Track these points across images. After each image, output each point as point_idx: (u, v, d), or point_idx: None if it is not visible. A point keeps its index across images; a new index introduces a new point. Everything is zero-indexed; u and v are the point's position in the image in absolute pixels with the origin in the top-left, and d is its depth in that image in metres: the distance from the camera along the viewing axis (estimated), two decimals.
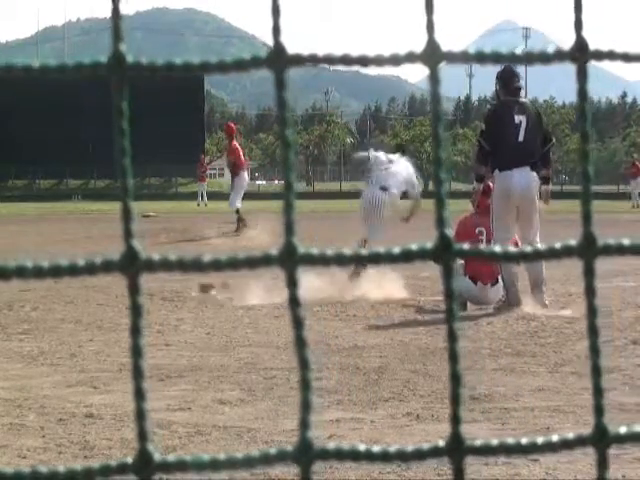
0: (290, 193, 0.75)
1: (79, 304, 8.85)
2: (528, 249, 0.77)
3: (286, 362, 5.94)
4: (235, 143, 19.77)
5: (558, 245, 0.76)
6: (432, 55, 0.74)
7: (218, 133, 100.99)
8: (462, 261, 8.89)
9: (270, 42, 0.74)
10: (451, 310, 0.76)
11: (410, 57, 0.75)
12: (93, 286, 10.24)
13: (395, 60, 0.75)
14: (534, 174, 8.53)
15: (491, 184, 8.97)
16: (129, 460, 0.73)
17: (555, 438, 0.76)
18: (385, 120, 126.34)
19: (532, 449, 0.76)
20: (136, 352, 0.74)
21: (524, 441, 0.76)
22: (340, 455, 0.75)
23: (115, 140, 0.73)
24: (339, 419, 4.50)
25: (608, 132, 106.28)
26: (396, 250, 0.76)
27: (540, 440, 0.76)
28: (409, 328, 7.33)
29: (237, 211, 19.41)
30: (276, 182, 79.40)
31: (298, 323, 0.75)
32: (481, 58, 0.76)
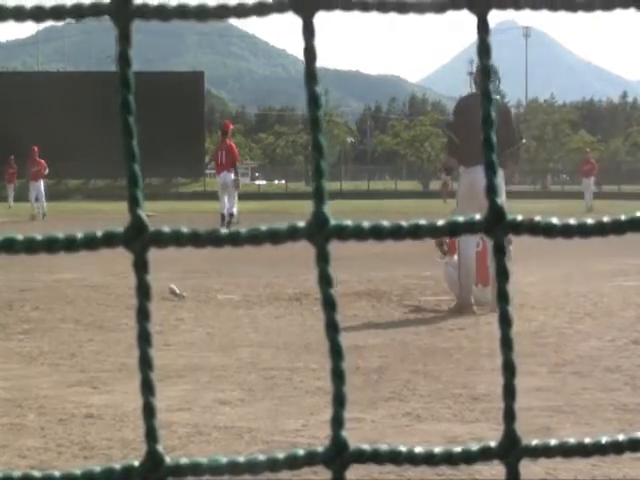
0: (319, 154, 0.65)
1: (79, 304, 8.84)
2: (606, 219, 0.66)
3: (286, 362, 5.94)
4: (223, 142, 19.99)
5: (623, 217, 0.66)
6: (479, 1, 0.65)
7: (218, 132, 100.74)
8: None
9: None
10: (504, 293, 0.67)
11: (456, 3, 0.66)
12: (93, 286, 10.24)
13: (439, 7, 0.66)
14: (500, 172, 8.44)
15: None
16: (135, 463, 0.64)
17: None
18: (385, 120, 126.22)
19: (596, 449, 0.69)
20: (144, 339, 0.65)
21: (587, 441, 0.69)
22: (378, 457, 0.66)
23: (121, 92, 0.65)
24: None
25: (609, 132, 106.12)
26: (441, 223, 0.67)
27: (604, 440, 0.69)
28: (409, 328, 7.32)
29: (222, 215, 19.50)
30: (276, 182, 79.12)
31: (330, 305, 0.68)
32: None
